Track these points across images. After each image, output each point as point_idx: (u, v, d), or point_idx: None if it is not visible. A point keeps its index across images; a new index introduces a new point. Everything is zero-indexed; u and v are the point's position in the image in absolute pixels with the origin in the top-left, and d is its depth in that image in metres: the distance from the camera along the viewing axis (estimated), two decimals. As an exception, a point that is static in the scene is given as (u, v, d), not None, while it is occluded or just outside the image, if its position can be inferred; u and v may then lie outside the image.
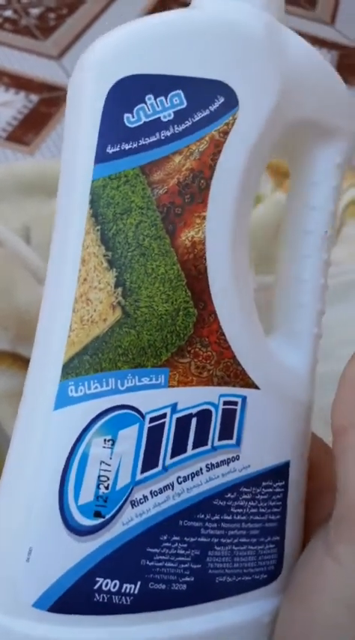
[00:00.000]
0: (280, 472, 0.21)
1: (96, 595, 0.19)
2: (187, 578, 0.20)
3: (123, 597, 0.19)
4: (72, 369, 0.20)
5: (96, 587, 0.19)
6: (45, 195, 0.54)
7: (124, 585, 0.19)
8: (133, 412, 0.19)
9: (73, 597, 0.19)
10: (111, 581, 0.19)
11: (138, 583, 0.19)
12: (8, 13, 0.88)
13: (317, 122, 0.22)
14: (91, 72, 0.20)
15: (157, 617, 0.20)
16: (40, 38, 0.84)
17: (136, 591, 0.19)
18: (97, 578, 0.19)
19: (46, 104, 0.75)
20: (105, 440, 0.19)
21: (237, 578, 0.20)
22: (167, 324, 0.20)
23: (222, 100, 0.20)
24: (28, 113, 0.73)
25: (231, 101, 0.20)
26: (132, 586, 0.19)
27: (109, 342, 0.19)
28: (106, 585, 0.19)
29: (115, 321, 0.20)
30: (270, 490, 0.21)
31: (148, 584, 0.19)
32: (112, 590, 0.19)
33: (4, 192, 0.53)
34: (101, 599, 0.19)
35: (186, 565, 0.20)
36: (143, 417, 0.19)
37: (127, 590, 0.19)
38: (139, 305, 0.20)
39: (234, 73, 0.20)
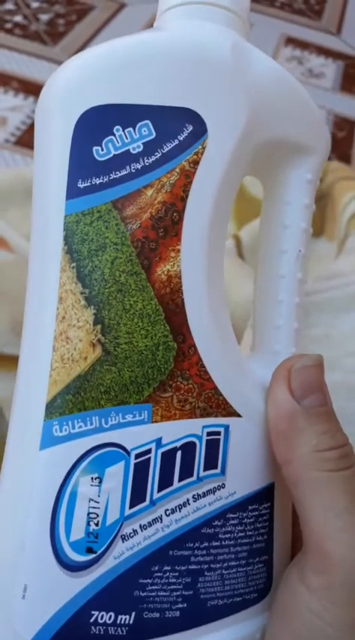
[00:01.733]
0: (266, 494, 0.21)
1: (93, 628, 0.20)
2: (180, 605, 0.20)
3: (119, 628, 0.20)
4: (55, 408, 0.20)
5: (92, 620, 0.20)
6: None
7: (119, 616, 0.20)
8: (119, 449, 0.20)
9: (71, 631, 0.20)
10: (107, 613, 0.20)
11: (133, 613, 0.20)
12: (18, 18, 0.88)
13: (287, 141, 0.22)
14: (59, 101, 0.20)
15: (153, 644, 0.20)
16: (49, 44, 0.84)
17: (131, 621, 0.20)
18: (93, 612, 0.20)
19: None
20: (92, 478, 0.19)
21: (228, 600, 0.21)
22: (147, 359, 0.20)
23: (190, 128, 0.20)
24: None
25: (200, 129, 0.20)
26: (127, 617, 0.20)
27: (91, 381, 0.20)
28: (102, 618, 0.20)
29: (96, 359, 0.20)
30: (256, 513, 0.21)
31: (143, 613, 0.20)
32: (108, 622, 0.20)
33: (14, 197, 0.53)
34: (98, 632, 0.20)
35: (179, 592, 0.20)
36: (128, 453, 0.20)
37: (123, 621, 0.20)
38: (119, 342, 0.20)
39: (201, 99, 0.20)
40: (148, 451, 0.20)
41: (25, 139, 0.69)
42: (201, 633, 0.21)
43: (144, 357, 0.20)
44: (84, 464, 0.19)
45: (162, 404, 0.20)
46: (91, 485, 0.19)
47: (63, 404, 0.20)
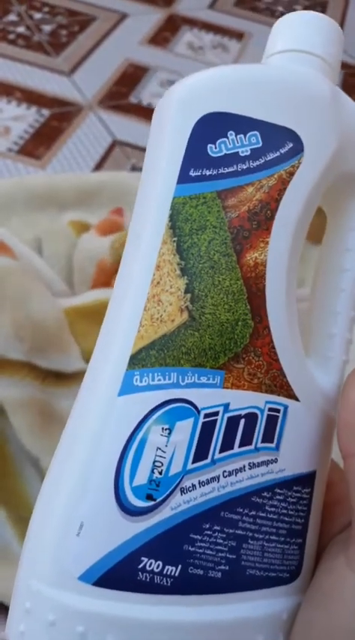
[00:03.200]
0: (308, 479, 0.23)
1: (140, 574, 0.20)
2: (222, 567, 0.21)
3: (165, 578, 0.21)
4: (139, 360, 0.21)
5: (140, 566, 0.21)
6: (55, 209, 0.56)
7: (167, 567, 0.21)
8: (190, 407, 0.21)
9: (118, 574, 0.20)
10: (155, 561, 0.21)
11: (180, 566, 0.21)
12: (21, 29, 0.91)
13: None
14: (181, 102, 0.23)
15: (192, 601, 0.21)
16: (52, 54, 0.87)
17: (177, 574, 0.21)
18: (142, 558, 0.21)
19: (57, 119, 0.77)
20: (162, 428, 0.21)
21: (264, 573, 0.22)
22: (227, 331, 0.22)
23: (290, 145, 0.23)
24: (40, 127, 0.75)
25: (298, 147, 0.23)
26: (174, 568, 0.21)
27: (175, 341, 0.22)
28: (150, 565, 0.21)
29: (182, 322, 0.22)
30: (299, 495, 0.23)
31: (188, 568, 0.21)
32: (155, 570, 0.21)
33: (16, 205, 0.55)
34: (144, 578, 0.21)
35: (223, 554, 0.21)
36: (199, 412, 0.21)
37: (169, 572, 0.21)
38: (204, 311, 0.22)
39: (302, 124, 0.23)
40: (216, 413, 0.21)
41: (28, 149, 0.70)
42: (236, 600, 0.21)
43: (224, 328, 0.22)
44: (157, 414, 0.21)
45: (234, 373, 0.22)
46: (161, 435, 0.21)
47: (146, 357, 0.21)
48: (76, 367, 0.40)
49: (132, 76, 0.87)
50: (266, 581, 0.22)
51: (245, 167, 0.23)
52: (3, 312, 0.40)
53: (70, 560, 0.21)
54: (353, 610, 0.21)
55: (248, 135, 0.23)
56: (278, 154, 0.23)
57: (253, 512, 0.22)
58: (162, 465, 0.21)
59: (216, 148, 0.22)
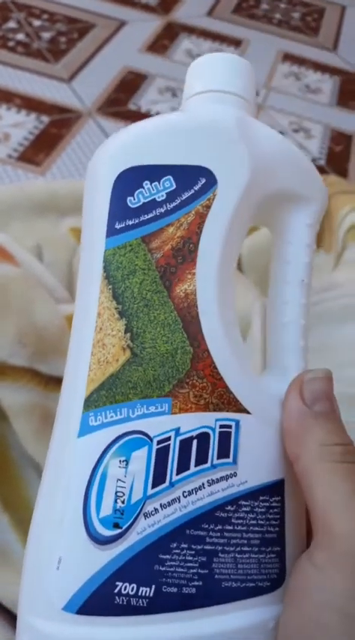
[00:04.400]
0: (276, 488, 0.24)
1: (117, 598, 0.22)
2: (196, 582, 0.22)
3: (140, 600, 0.22)
4: (92, 402, 0.24)
5: (116, 590, 0.22)
6: (55, 215, 0.57)
7: (141, 588, 0.22)
8: (143, 436, 0.23)
9: (97, 600, 0.22)
10: (130, 584, 0.22)
11: (153, 586, 0.22)
12: (20, 36, 0.92)
13: (288, 193, 0.27)
14: (102, 165, 0.25)
15: (171, 618, 0.22)
16: (51, 61, 0.88)
17: (151, 594, 0.22)
18: (117, 582, 0.22)
19: (57, 125, 0.77)
20: (120, 461, 0.23)
21: (241, 584, 0.23)
22: (168, 360, 0.24)
23: (203, 180, 0.25)
24: (39, 134, 0.75)
25: (211, 181, 0.25)
26: (148, 589, 0.22)
27: (121, 378, 0.24)
28: (125, 589, 0.22)
29: (126, 360, 0.24)
30: (267, 504, 0.24)
31: (162, 587, 0.22)
32: (130, 593, 0.22)
33: (17, 211, 0.55)
34: (121, 602, 0.22)
35: (195, 570, 0.22)
36: (151, 440, 0.23)
37: (143, 593, 0.22)
38: (145, 346, 0.24)
39: (212, 159, 0.25)
40: (168, 438, 0.23)
41: (28, 155, 0.71)
42: (215, 613, 0.22)
43: (165, 358, 0.24)
44: (114, 448, 0.23)
45: (180, 398, 0.23)
46: (119, 467, 0.23)
47: (98, 398, 0.24)
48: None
49: (130, 83, 0.88)
50: (244, 592, 0.23)
51: (163, 210, 0.25)
52: (6, 319, 0.41)
53: (53, 593, 0.23)
54: (317, 603, 0.21)
55: (162, 181, 0.25)
56: (192, 191, 0.25)
57: (219, 527, 0.23)
58: (124, 494, 0.23)
59: (134, 199, 0.25)
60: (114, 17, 1.03)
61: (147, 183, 0.25)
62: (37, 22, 0.96)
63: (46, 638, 0.22)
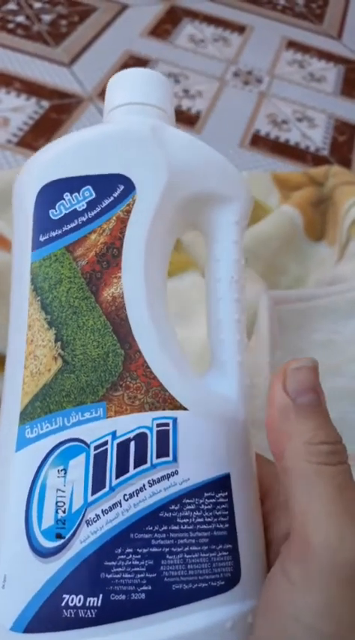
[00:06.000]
0: (221, 483, 0.23)
1: (65, 611, 0.21)
2: (145, 588, 0.22)
3: (89, 610, 0.21)
4: (27, 414, 0.23)
5: (63, 603, 0.21)
6: None
7: (88, 599, 0.21)
8: (80, 443, 0.23)
9: (45, 616, 0.21)
10: (76, 596, 0.21)
11: (101, 596, 0.22)
12: (20, 18, 0.89)
13: (209, 193, 0.27)
14: (25, 182, 0.26)
15: (121, 627, 0.21)
16: (52, 44, 0.85)
17: (99, 604, 0.21)
18: (64, 595, 0.21)
19: (57, 110, 0.75)
20: (58, 470, 0.23)
21: (193, 585, 0.22)
22: (100, 365, 0.24)
23: (122, 187, 0.25)
24: (39, 119, 0.73)
25: (130, 187, 0.25)
26: (95, 599, 0.21)
27: (54, 387, 0.23)
28: (72, 601, 0.21)
29: (58, 369, 0.24)
30: (213, 500, 0.23)
31: (110, 595, 0.22)
32: (78, 604, 0.21)
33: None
34: (69, 615, 0.21)
35: (142, 575, 0.22)
36: (88, 446, 0.23)
37: (91, 604, 0.21)
38: (76, 353, 0.24)
39: (130, 166, 0.25)
40: (105, 443, 0.23)
41: (27, 140, 0.69)
42: (168, 617, 0.22)
43: (97, 363, 0.24)
44: (51, 459, 0.23)
45: (115, 401, 0.23)
46: (58, 476, 0.22)
47: (32, 410, 0.23)
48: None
49: None
50: (196, 593, 0.22)
51: (84, 219, 0.25)
52: (2, 307, 0.38)
53: (0, 613, 0.22)
54: (288, 616, 0.20)
55: (81, 191, 0.25)
56: (112, 198, 0.25)
57: (164, 528, 0.22)
58: (65, 503, 0.22)
59: (56, 211, 0.25)
60: (115, 0, 0.99)
61: (67, 195, 0.25)
62: (37, 4, 0.93)
63: (-5, 662, 0.21)
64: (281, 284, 0.54)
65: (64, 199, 0.25)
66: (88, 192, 0.25)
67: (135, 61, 0.87)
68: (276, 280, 0.54)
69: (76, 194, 0.25)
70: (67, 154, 0.26)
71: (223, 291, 0.27)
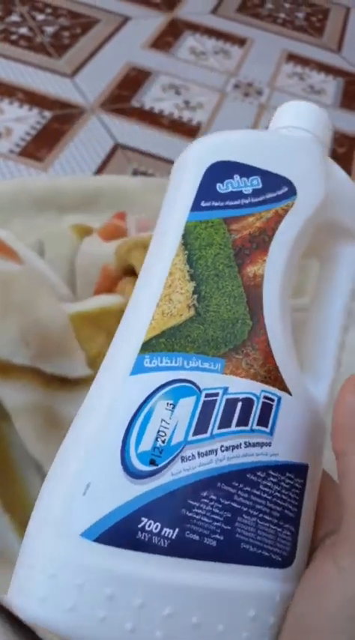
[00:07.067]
0: (301, 470, 0.25)
1: (140, 533, 0.22)
2: (218, 536, 0.22)
3: (162, 540, 0.22)
4: (150, 346, 0.25)
5: (140, 525, 0.22)
6: (57, 211, 0.55)
7: (165, 529, 0.22)
8: (193, 386, 0.24)
9: (119, 532, 0.22)
10: (155, 522, 0.22)
11: (177, 529, 0.22)
12: (23, 30, 0.91)
13: (344, 227, 0.30)
14: (198, 153, 0.28)
15: (188, 565, 0.22)
16: (54, 56, 0.86)
17: (174, 536, 0.22)
18: (143, 518, 0.22)
19: (59, 121, 0.76)
20: (167, 403, 0.24)
21: (258, 550, 0.23)
22: (228, 327, 0.25)
23: (286, 189, 0.28)
24: (42, 129, 0.74)
25: (292, 191, 0.28)
26: (171, 531, 0.22)
27: (182, 332, 0.25)
28: (149, 526, 0.22)
29: (189, 317, 0.25)
30: (291, 482, 0.24)
31: (185, 532, 0.22)
32: (154, 531, 0.22)
33: (18, 207, 0.54)
34: (143, 538, 0.22)
35: (219, 524, 0.23)
36: (200, 391, 0.24)
37: (166, 534, 0.22)
38: (209, 309, 0.25)
39: (297, 176, 0.28)
40: (216, 394, 0.24)
41: (30, 150, 0.69)
42: (229, 571, 0.22)
43: (226, 324, 0.25)
44: (163, 391, 0.24)
45: (234, 362, 0.25)
46: (166, 409, 0.24)
47: (156, 344, 0.25)
48: (81, 373, 0.41)
49: (134, 80, 0.87)
50: (259, 558, 0.23)
51: (247, 202, 0.27)
52: (9, 317, 0.40)
53: (74, 516, 0.22)
54: (338, 605, 0.21)
55: (250, 178, 0.28)
56: (275, 194, 0.28)
57: (248, 488, 0.23)
58: (166, 434, 0.23)
59: (223, 186, 0.28)
60: (118, 13, 1.01)
61: (236, 177, 0.28)
62: (40, 17, 0.94)
63: (56, 560, 0.22)
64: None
65: (233, 179, 0.28)
66: (256, 182, 0.28)
67: (137, 73, 0.88)
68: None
69: (245, 179, 0.28)
70: (244, 143, 0.29)
71: (335, 315, 0.29)
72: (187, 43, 0.99)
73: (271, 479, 0.24)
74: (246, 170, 0.28)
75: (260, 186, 0.28)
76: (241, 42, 1.03)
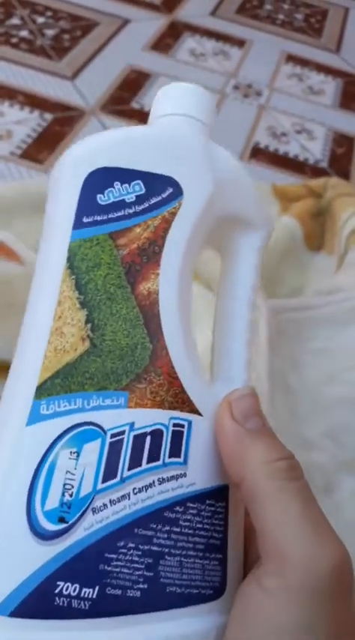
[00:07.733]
0: (221, 493, 0.24)
1: (57, 599, 0.20)
2: (141, 585, 0.21)
3: (83, 602, 0.21)
4: (45, 390, 0.22)
5: (57, 590, 0.20)
6: None
7: (84, 589, 0.21)
8: (97, 428, 0.22)
9: (35, 602, 0.20)
10: (72, 584, 0.21)
11: (97, 587, 0.21)
12: (24, 33, 0.92)
13: (242, 217, 0.28)
14: (73, 162, 0.26)
15: (113, 623, 0.21)
16: (55, 58, 0.87)
17: (95, 596, 0.21)
18: (58, 582, 0.20)
19: (60, 123, 0.77)
20: (71, 452, 0.22)
21: (185, 590, 0.22)
22: (127, 354, 0.23)
23: (171, 190, 0.26)
24: (42, 131, 0.75)
25: (178, 191, 0.26)
26: (91, 590, 0.21)
27: (78, 368, 0.23)
28: (67, 589, 0.21)
29: (84, 350, 0.23)
30: (213, 509, 0.23)
31: (106, 588, 0.21)
32: (72, 594, 0.21)
33: (19, 209, 0.54)
34: (61, 603, 0.20)
35: (140, 572, 0.21)
36: (105, 432, 0.22)
37: (86, 595, 0.21)
38: (105, 338, 0.23)
39: (180, 172, 0.26)
40: (122, 432, 0.22)
41: (30, 152, 0.70)
42: (158, 619, 0.21)
43: (124, 352, 0.23)
44: (65, 439, 0.22)
45: (137, 393, 0.23)
46: (69, 458, 0.22)
47: (51, 387, 0.23)
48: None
49: (134, 82, 0.88)
50: (188, 598, 0.22)
51: (131, 211, 0.25)
52: (11, 318, 0.39)
53: (-16, 593, 0.20)
54: (266, 625, 0.21)
55: (132, 184, 0.25)
56: (160, 198, 0.26)
57: (167, 528, 0.22)
58: (73, 487, 0.21)
59: (104, 196, 0.25)
60: (117, 15, 1.02)
61: (117, 184, 0.25)
62: (40, 19, 0.95)
63: (-29, 645, 0.20)
64: (280, 293, 0.56)
65: (113, 187, 0.25)
66: (138, 187, 0.25)
67: (137, 75, 0.89)
68: (275, 290, 0.55)
69: (127, 185, 0.25)
70: (121, 146, 0.26)
71: (239, 310, 0.28)
72: (187, 45, 1.00)
73: (191, 511, 0.23)
74: (126, 175, 0.26)
75: (143, 191, 0.25)
76: (240, 43, 1.04)
